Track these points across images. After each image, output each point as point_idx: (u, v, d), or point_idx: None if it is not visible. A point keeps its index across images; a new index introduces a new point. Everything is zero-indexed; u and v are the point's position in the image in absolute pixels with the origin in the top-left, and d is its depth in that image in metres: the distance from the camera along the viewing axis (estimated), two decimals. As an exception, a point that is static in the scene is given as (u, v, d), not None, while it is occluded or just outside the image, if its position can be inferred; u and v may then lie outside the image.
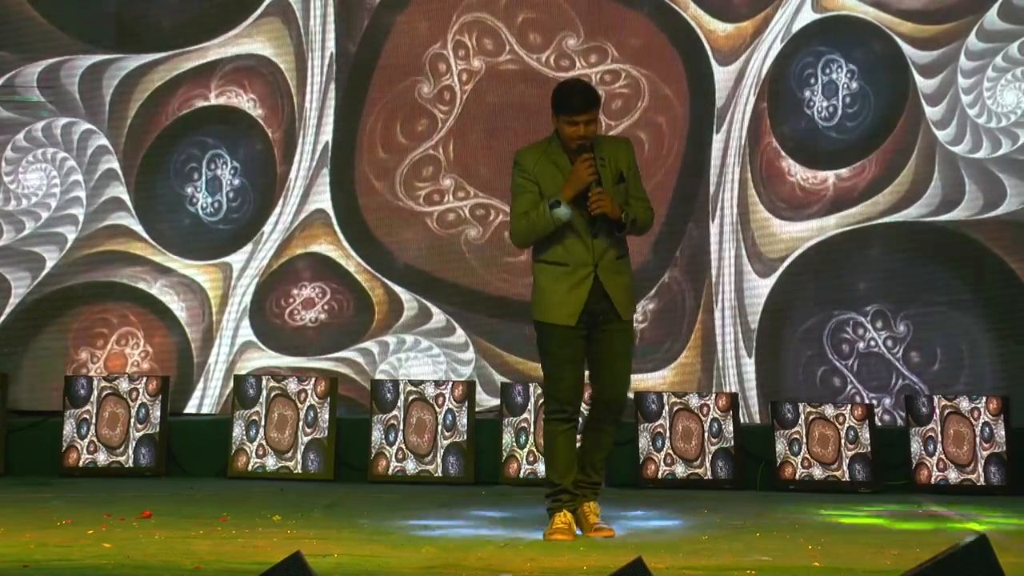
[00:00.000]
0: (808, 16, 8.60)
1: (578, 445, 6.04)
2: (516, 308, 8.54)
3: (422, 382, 8.27)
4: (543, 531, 5.94)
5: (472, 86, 8.69)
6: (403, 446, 8.10)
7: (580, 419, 6.10)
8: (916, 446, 8.00)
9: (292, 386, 8.24)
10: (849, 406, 8.12)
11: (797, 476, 7.98)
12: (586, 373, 6.02)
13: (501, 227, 8.61)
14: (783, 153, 8.58)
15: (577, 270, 5.82)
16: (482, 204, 8.68)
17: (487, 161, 8.68)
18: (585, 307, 5.81)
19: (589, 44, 8.65)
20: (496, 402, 8.32)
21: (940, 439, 7.99)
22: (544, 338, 5.94)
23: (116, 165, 8.73)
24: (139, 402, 8.22)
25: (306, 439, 8.13)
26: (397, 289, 8.66)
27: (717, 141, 8.57)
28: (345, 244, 8.70)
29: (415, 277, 8.67)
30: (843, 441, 8.01)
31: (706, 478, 7.95)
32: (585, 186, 5.76)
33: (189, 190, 8.77)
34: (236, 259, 8.72)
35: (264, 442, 8.14)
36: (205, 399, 8.65)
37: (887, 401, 8.45)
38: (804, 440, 8.03)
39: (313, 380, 8.26)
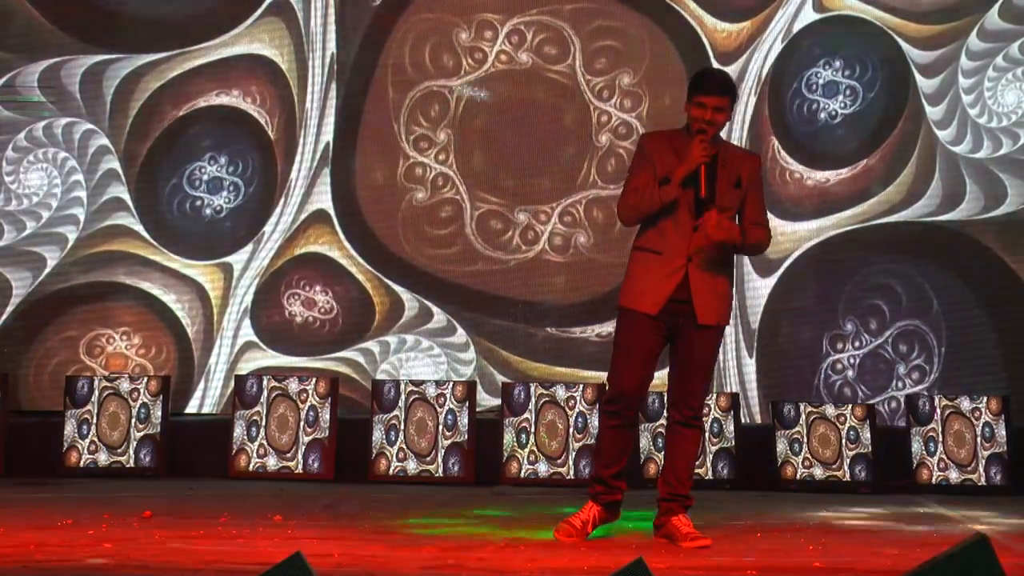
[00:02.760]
0: (809, 16, 8.60)
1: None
2: (519, 308, 8.58)
3: (423, 382, 8.27)
4: (545, 530, 5.93)
5: (503, 67, 8.69)
6: (404, 446, 8.10)
7: (635, 422, 5.94)
8: (917, 446, 8.00)
9: (293, 386, 8.24)
10: (850, 406, 8.12)
11: (798, 476, 7.98)
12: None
13: (443, 202, 8.65)
14: (784, 153, 8.58)
15: (670, 260, 5.68)
16: (443, 174, 8.69)
17: (483, 149, 8.71)
18: (669, 301, 5.68)
19: (637, 90, 8.66)
20: (497, 402, 8.32)
21: (941, 439, 7.98)
22: (621, 326, 5.79)
23: (117, 165, 8.73)
24: (140, 402, 8.22)
25: (307, 439, 8.13)
26: (398, 289, 8.67)
27: (718, 141, 8.56)
28: (346, 244, 8.70)
29: (415, 276, 8.67)
30: (844, 441, 8.01)
31: (707, 478, 7.94)
32: (696, 166, 5.64)
33: (190, 190, 8.77)
34: (237, 259, 8.72)
35: (265, 442, 8.14)
36: (206, 399, 8.65)
37: (888, 401, 8.44)
38: (805, 440, 8.03)
39: (314, 380, 8.26)
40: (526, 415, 8.12)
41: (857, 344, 8.51)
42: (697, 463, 7.87)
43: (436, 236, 8.70)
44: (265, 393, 8.23)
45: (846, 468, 7.97)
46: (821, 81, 8.60)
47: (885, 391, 8.47)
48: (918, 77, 8.53)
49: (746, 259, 8.45)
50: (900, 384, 8.46)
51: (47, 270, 8.70)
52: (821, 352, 8.52)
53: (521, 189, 8.69)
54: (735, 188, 5.76)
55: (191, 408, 8.64)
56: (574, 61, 8.66)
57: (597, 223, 8.59)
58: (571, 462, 8.01)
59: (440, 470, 8.05)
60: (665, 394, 7.92)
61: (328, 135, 8.74)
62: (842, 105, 8.58)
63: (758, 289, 8.55)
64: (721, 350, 8.41)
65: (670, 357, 5.84)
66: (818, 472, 7.98)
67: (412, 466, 8.07)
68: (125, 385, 8.27)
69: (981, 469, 7.93)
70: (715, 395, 8.14)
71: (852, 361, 8.50)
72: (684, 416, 5.78)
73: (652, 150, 5.81)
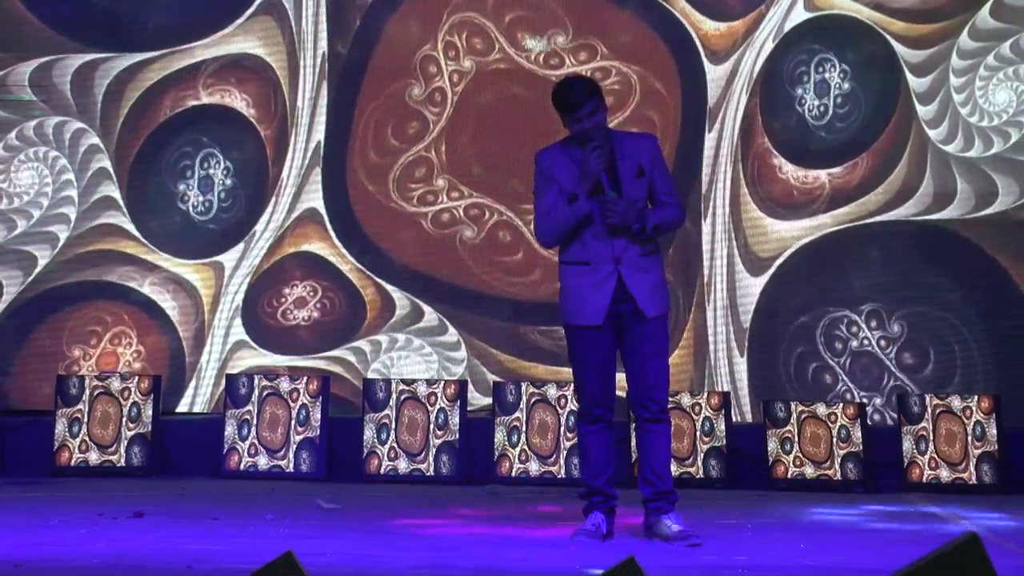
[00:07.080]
0: (800, 15, 8.61)
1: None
2: (509, 308, 8.58)
3: (414, 381, 8.27)
4: (536, 530, 5.93)
5: (463, 87, 8.69)
6: (395, 445, 8.10)
7: (612, 417, 5.92)
8: (908, 445, 8.01)
9: (284, 385, 8.24)
10: (841, 405, 8.13)
11: (789, 475, 7.99)
12: None
13: (497, 226, 8.63)
14: (775, 152, 8.59)
15: (599, 267, 5.70)
16: (477, 204, 8.68)
17: (480, 160, 8.70)
18: (610, 306, 5.69)
19: (578, 42, 8.65)
20: (488, 401, 8.32)
21: (932, 438, 8.00)
22: (571, 341, 5.80)
23: (108, 164, 8.72)
24: (131, 401, 8.21)
25: (298, 438, 8.13)
26: (389, 288, 8.66)
27: (709, 140, 8.57)
28: (337, 243, 8.69)
29: (409, 276, 8.67)
30: (835, 440, 8.02)
31: (698, 477, 7.95)
32: (596, 176, 5.67)
33: (181, 189, 8.76)
34: (228, 258, 8.72)
35: (256, 441, 8.14)
36: (197, 398, 8.64)
37: (879, 400, 8.45)
38: (796, 439, 8.04)
39: (305, 379, 8.26)
40: (517, 414, 8.12)
41: (848, 343, 8.51)
42: (688, 462, 7.91)
43: (388, 145, 8.67)
44: (256, 392, 8.22)
45: (837, 467, 7.98)
46: (812, 80, 8.60)
47: (876, 390, 8.48)
48: (909, 76, 8.54)
49: (738, 258, 8.46)
50: (891, 383, 8.47)
51: (38, 269, 8.69)
52: (812, 351, 8.53)
53: (475, 173, 8.66)
54: (638, 178, 5.78)
55: (182, 407, 8.63)
56: (613, 109, 8.58)
57: (495, 241, 8.58)
58: (562, 461, 8.01)
59: (431, 469, 8.06)
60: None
61: (320, 134, 8.73)
62: (833, 104, 8.59)
63: (749, 288, 8.55)
64: (712, 349, 8.46)
65: (623, 358, 5.83)
66: (809, 471, 7.99)
67: (403, 465, 8.07)
68: (116, 384, 8.26)
69: (972, 468, 7.94)
70: (706, 394, 8.15)
71: (843, 360, 8.51)
72: (652, 412, 5.77)
73: (551, 167, 5.82)
